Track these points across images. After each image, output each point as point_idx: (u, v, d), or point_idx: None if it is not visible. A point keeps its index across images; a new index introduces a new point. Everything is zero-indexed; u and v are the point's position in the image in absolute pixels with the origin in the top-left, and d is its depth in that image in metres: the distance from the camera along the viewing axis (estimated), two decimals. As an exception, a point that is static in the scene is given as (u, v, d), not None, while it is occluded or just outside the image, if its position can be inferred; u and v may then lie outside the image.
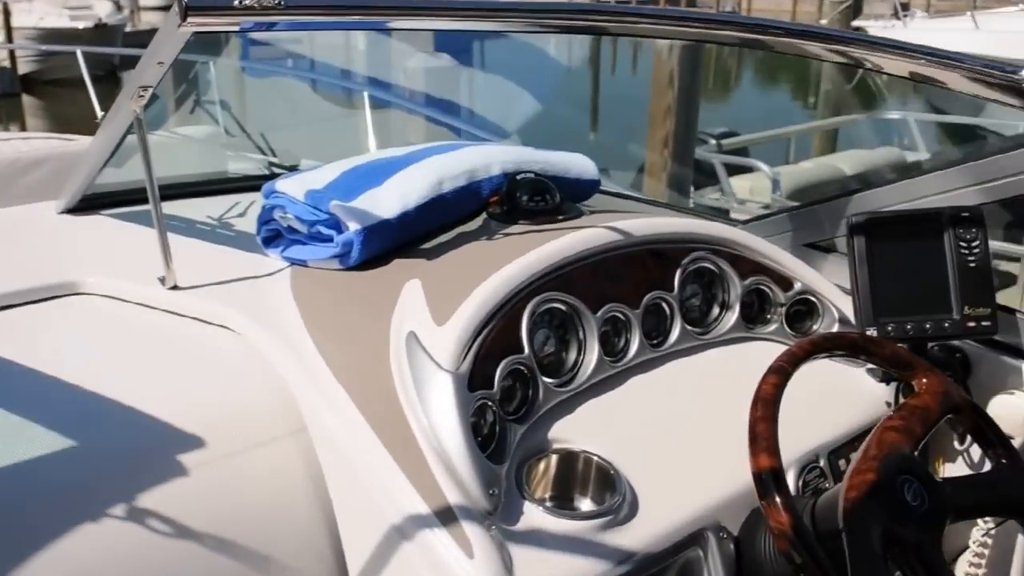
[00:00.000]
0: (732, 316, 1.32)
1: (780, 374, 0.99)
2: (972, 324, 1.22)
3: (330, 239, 1.26)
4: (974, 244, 1.23)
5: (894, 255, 1.24)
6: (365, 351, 1.08)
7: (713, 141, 5.55)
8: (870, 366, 1.27)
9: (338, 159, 1.44)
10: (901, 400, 1.29)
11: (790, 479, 1.14)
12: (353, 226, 1.23)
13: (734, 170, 5.19)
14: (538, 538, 0.93)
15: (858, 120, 6.86)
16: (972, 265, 1.23)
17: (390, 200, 1.28)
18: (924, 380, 1.07)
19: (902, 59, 1.03)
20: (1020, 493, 1.02)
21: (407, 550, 0.92)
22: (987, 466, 1.08)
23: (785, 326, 1.35)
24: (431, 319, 1.06)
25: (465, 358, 1.01)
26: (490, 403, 1.02)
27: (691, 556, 1.01)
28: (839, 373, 1.28)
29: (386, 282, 1.20)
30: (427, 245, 1.30)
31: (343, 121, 3.17)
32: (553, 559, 0.92)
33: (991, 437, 1.06)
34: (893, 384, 1.28)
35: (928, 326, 1.22)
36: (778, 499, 0.89)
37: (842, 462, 1.20)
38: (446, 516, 0.90)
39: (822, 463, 1.17)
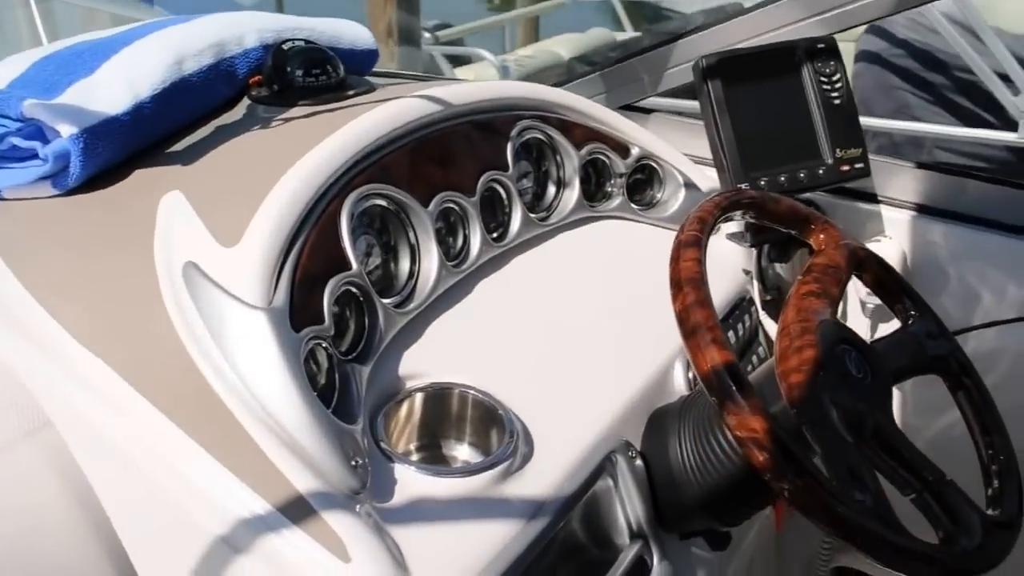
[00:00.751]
0: (573, 194, 1.10)
1: (698, 247, 0.78)
2: (846, 168, 1.09)
3: (33, 154, 0.88)
4: (835, 78, 1.09)
5: (753, 99, 1.07)
6: (122, 304, 0.74)
7: (428, 34, 5.28)
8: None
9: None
10: (765, 264, 1.16)
11: (678, 375, 0.96)
12: (66, 130, 0.86)
13: (457, 63, 4.98)
14: (425, 510, 0.68)
15: (564, 4, 6.91)
16: (837, 102, 1.08)
17: (113, 90, 0.91)
18: (822, 236, 0.92)
19: None
20: (941, 348, 0.90)
21: (243, 569, 0.62)
22: (895, 323, 0.95)
23: (628, 200, 1.16)
24: (214, 241, 0.74)
25: (277, 287, 0.71)
26: (323, 343, 0.74)
27: (600, 488, 0.81)
28: (665, 246, 1.11)
29: (129, 201, 0.86)
30: (177, 147, 0.95)
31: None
32: (451, 532, 0.68)
33: (896, 289, 0.93)
34: (752, 250, 1.14)
35: (802, 175, 1.07)
36: (743, 401, 0.69)
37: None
38: (297, 510, 0.62)
39: None
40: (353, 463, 0.66)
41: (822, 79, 1.08)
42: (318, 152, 0.81)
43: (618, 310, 1.00)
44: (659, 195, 1.18)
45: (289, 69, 1.01)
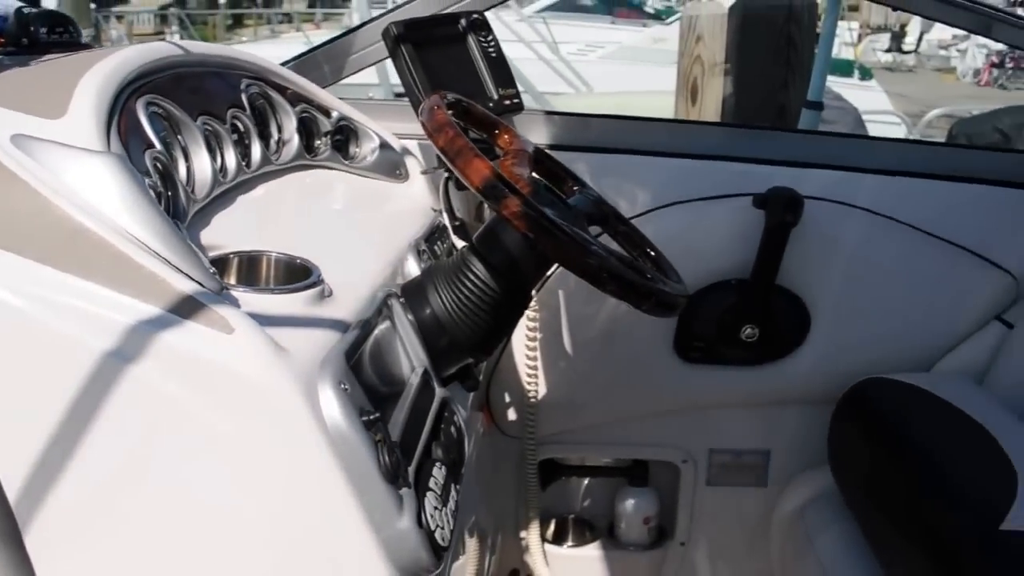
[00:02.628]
0: (294, 144, 1.30)
1: (443, 99, 1.03)
2: (507, 102, 1.41)
3: None
4: (489, 39, 1.41)
5: (435, 55, 1.35)
6: None
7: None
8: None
9: None
10: (450, 189, 1.43)
11: (411, 263, 1.19)
12: None
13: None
14: (267, 317, 0.83)
15: None
16: (494, 56, 1.41)
17: None
18: (507, 136, 1.21)
19: None
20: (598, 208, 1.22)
21: (138, 374, 0.73)
22: None
23: (336, 153, 1.38)
24: (38, 117, 0.83)
25: (109, 141, 0.83)
26: (156, 190, 0.87)
27: (382, 331, 1.01)
28: (377, 190, 1.36)
29: None
30: None
31: None
32: (289, 334, 0.83)
33: (563, 173, 1.25)
34: (438, 191, 1.41)
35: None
36: (513, 190, 0.92)
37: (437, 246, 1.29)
38: (176, 306, 0.74)
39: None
40: (211, 271, 0.80)
41: (481, 39, 1.40)
42: (108, 60, 0.94)
43: (352, 222, 1.22)
44: (359, 149, 1.42)
45: (33, 29, 1.11)
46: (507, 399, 1.69)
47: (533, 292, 1.52)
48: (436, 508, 0.87)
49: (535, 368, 1.60)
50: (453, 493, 0.94)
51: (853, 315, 1.65)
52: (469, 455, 1.30)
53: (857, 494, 1.48)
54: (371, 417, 0.82)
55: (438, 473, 0.92)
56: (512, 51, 1.49)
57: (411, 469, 0.85)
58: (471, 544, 1.40)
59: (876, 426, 1.47)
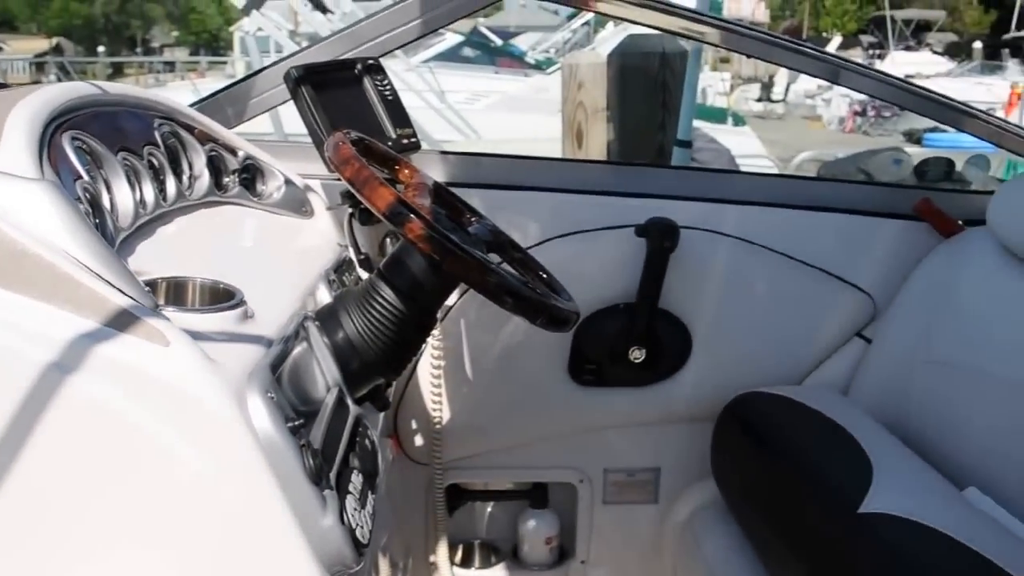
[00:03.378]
0: (205, 180, 1.36)
1: (346, 135, 1.10)
2: (405, 141, 1.50)
3: None
4: (384, 83, 1.50)
5: (335, 98, 1.44)
6: None
7: None
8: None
9: None
10: (354, 225, 1.50)
11: (322, 291, 1.26)
12: None
13: None
14: (197, 333, 0.88)
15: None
16: (390, 98, 1.50)
17: None
18: (407, 170, 1.30)
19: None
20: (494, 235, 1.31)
21: (79, 386, 0.77)
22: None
23: (245, 190, 1.44)
24: None
25: (43, 170, 0.87)
26: (88, 217, 0.91)
27: (300, 353, 1.06)
28: (286, 225, 1.43)
29: None
30: None
31: None
32: (218, 348, 0.88)
33: (459, 205, 1.34)
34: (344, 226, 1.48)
35: None
36: (416, 214, 0.99)
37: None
38: (114, 320, 0.79)
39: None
40: (145, 288, 0.86)
41: (376, 83, 1.50)
42: (33, 97, 0.99)
43: (265, 253, 1.28)
44: (265, 188, 1.49)
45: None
46: (414, 426, 1.76)
47: (438, 315, 1.62)
48: (356, 509, 0.94)
49: (439, 395, 1.68)
50: (370, 499, 1.01)
51: (729, 335, 1.79)
52: (382, 473, 1.37)
53: (739, 500, 1.60)
54: (295, 424, 0.88)
55: (356, 479, 0.98)
56: (403, 100, 1.59)
57: (332, 474, 0.92)
58: (384, 569, 1.46)
59: (752, 437, 1.60)
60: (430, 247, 1.01)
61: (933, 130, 12.12)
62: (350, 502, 0.93)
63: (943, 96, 1.89)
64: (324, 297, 1.24)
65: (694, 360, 1.79)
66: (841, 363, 1.83)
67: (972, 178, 2.43)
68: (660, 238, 1.66)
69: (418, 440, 1.77)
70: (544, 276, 1.26)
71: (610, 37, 10.09)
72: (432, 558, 1.83)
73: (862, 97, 15.13)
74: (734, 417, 1.65)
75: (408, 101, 1.65)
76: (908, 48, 28.53)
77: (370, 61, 1.51)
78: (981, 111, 1.94)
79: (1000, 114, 8.65)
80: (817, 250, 1.80)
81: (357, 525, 0.92)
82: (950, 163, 2.14)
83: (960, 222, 1.79)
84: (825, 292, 1.82)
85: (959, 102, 1.89)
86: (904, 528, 1.19)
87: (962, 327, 1.61)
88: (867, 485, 1.29)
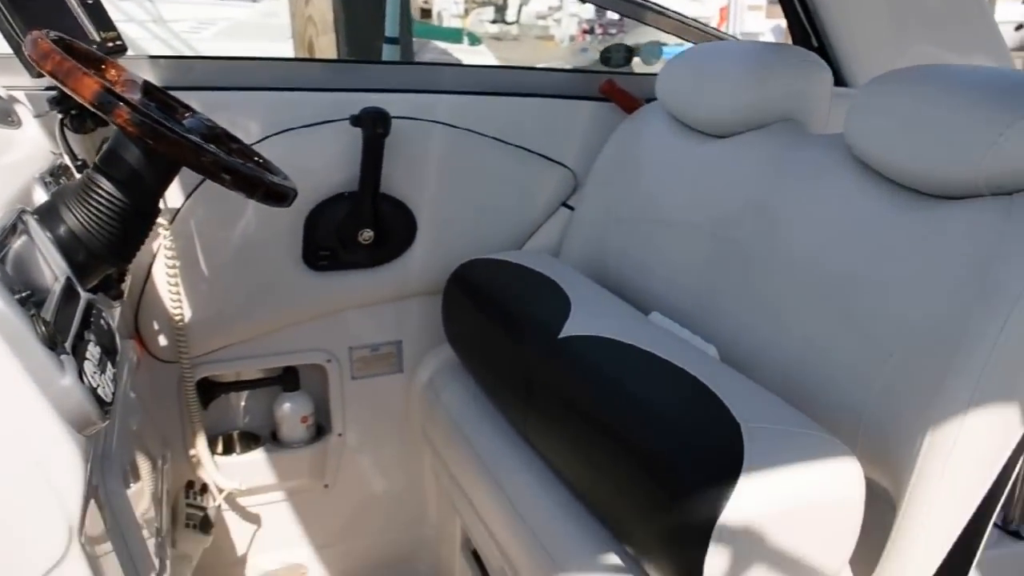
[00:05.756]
0: None
1: (46, 34, 1.13)
2: (111, 44, 1.53)
3: None
4: None
5: (29, 4, 1.43)
6: None
7: None
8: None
9: None
10: (68, 134, 1.53)
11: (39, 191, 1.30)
12: None
13: None
14: None
15: None
16: (90, 2, 1.52)
17: None
18: (114, 71, 1.35)
19: None
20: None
21: None
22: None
23: None
24: None
25: None
26: None
27: (21, 245, 1.09)
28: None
29: None
30: None
31: None
32: None
33: (174, 103, 1.41)
34: (54, 118, 1.49)
35: None
36: (122, 100, 1.04)
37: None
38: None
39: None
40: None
41: None
42: None
43: None
44: None
45: None
46: (156, 326, 1.82)
47: (166, 220, 1.68)
48: (96, 372, 1.01)
49: (178, 294, 1.75)
50: (110, 368, 1.09)
51: (450, 213, 1.98)
52: (126, 379, 1.43)
53: (468, 355, 1.80)
54: (23, 295, 0.94)
55: (93, 349, 1.05)
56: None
57: (68, 343, 0.98)
58: (144, 469, 1.53)
59: (475, 297, 1.80)
60: (141, 131, 1.06)
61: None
62: (88, 366, 1.00)
63: (660, 7, 2.19)
64: (41, 197, 1.26)
65: (420, 238, 1.96)
66: (551, 230, 2.08)
67: (647, 61, 2.76)
68: (373, 125, 1.80)
69: (162, 340, 1.83)
70: (260, 161, 1.35)
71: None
72: (192, 452, 1.91)
73: (590, 15, 15.89)
74: (459, 283, 1.84)
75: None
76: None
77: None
78: (692, 20, 2.25)
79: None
80: (523, 132, 2.02)
81: (98, 385, 1.00)
82: (629, 49, 2.42)
83: (643, 101, 2.06)
84: (533, 170, 2.04)
85: (674, 12, 2.22)
86: (597, 344, 1.42)
87: (644, 187, 1.88)
88: (566, 317, 1.52)
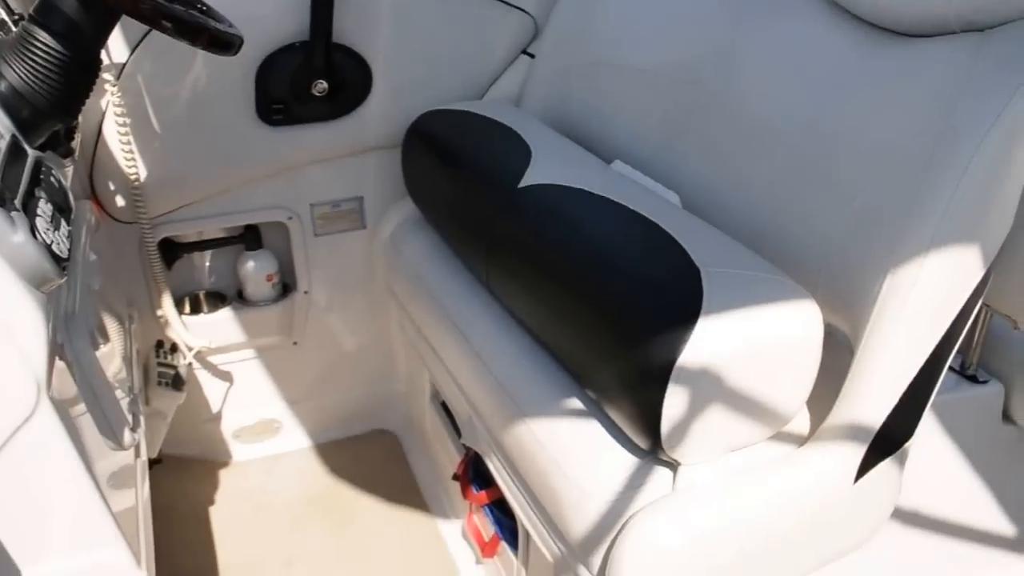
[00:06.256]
0: None
1: None
2: None
3: None
4: None
5: None
6: None
7: None
8: None
9: None
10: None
11: None
12: None
13: None
14: None
15: None
16: None
17: None
18: None
19: None
20: None
21: None
22: None
23: None
24: None
25: None
26: None
27: None
28: None
29: None
30: None
31: None
32: None
33: None
34: None
35: None
36: None
37: None
38: None
39: None
40: None
41: None
42: None
43: None
44: None
45: None
46: (112, 187, 1.78)
47: (112, 75, 1.62)
48: (48, 229, 1.00)
49: (131, 152, 1.70)
50: (65, 225, 1.07)
51: (407, 63, 1.92)
52: (84, 239, 1.41)
53: (429, 207, 1.78)
54: None
55: (45, 207, 1.03)
56: None
57: (17, 200, 0.96)
58: (112, 329, 1.53)
59: (434, 148, 1.77)
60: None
61: None
62: (41, 223, 0.98)
63: None
64: None
65: (376, 89, 1.91)
66: (512, 79, 2.03)
67: None
68: None
69: (120, 200, 1.80)
70: (204, 8, 1.30)
71: None
72: (160, 312, 1.92)
73: None
74: (417, 134, 1.80)
75: None
76: None
77: None
78: None
79: None
80: None
81: (52, 242, 0.99)
82: None
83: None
84: (492, 16, 1.97)
85: None
86: (557, 191, 1.42)
87: (606, 32, 1.83)
88: (526, 166, 1.51)
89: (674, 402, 1.08)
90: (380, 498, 2.02)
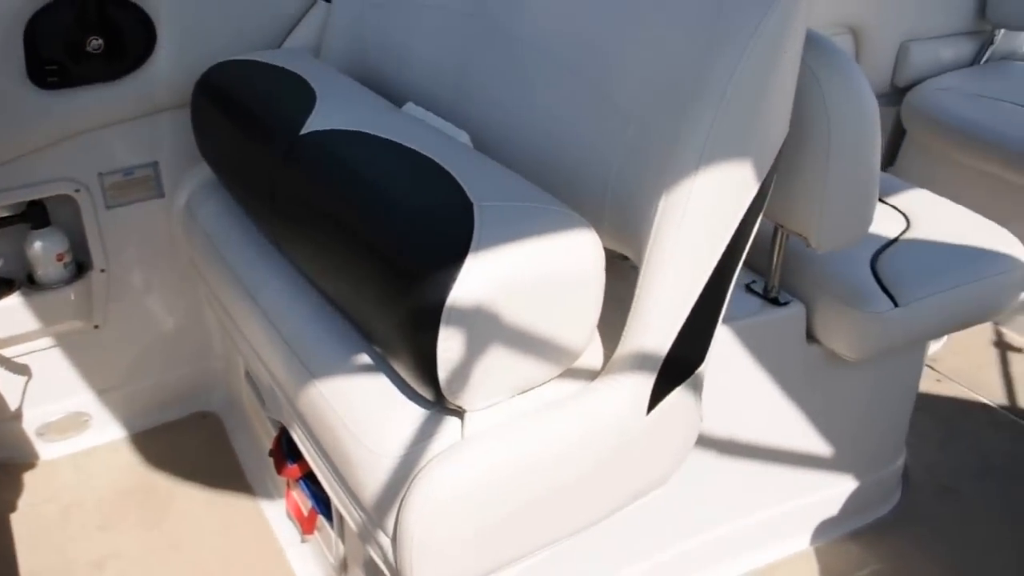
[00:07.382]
0: None
1: None
2: None
3: None
4: None
5: None
6: None
7: None
8: None
9: None
10: None
11: None
12: None
13: None
14: None
15: None
16: None
17: None
18: None
19: None
20: None
21: None
22: None
23: None
24: None
25: None
26: None
27: None
28: None
29: None
30: None
31: None
32: None
33: None
34: None
35: None
36: None
37: None
38: None
39: None
40: None
41: None
42: None
43: None
44: None
45: None
46: None
47: None
48: None
49: None
50: None
51: (192, 12, 1.77)
52: None
53: (221, 168, 1.65)
54: None
55: None
56: None
57: None
58: None
59: (224, 104, 1.64)
60: None
61: None
62: None
63: None
64: None
65: (162, 43, 1.76)
66: (310, 25, 1.91)
67: None
68: None
69: None
70: None
71: None
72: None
73: None
74: (205, 89, 1.67)
75: None
76: None
77: None
78: None
79: None
80: None
81: None
82: None
83: None
84: None
85: None
86: (338, 138, 1.32)
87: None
88: (308, 113, 1.40)
89: (449, 346, 1.01)
90: (200, 484, 1.89)
